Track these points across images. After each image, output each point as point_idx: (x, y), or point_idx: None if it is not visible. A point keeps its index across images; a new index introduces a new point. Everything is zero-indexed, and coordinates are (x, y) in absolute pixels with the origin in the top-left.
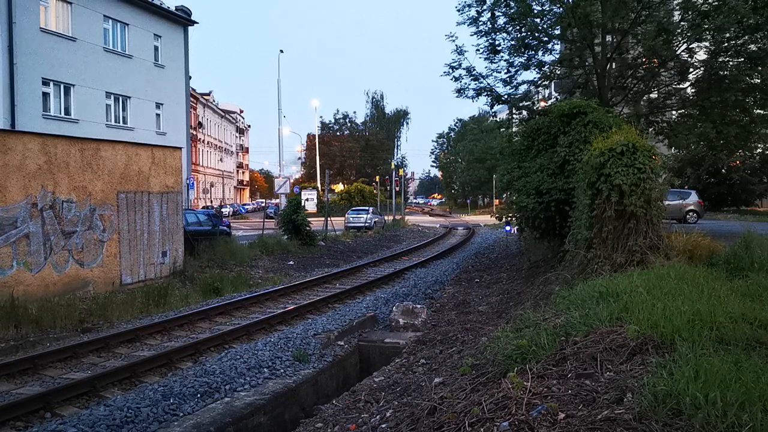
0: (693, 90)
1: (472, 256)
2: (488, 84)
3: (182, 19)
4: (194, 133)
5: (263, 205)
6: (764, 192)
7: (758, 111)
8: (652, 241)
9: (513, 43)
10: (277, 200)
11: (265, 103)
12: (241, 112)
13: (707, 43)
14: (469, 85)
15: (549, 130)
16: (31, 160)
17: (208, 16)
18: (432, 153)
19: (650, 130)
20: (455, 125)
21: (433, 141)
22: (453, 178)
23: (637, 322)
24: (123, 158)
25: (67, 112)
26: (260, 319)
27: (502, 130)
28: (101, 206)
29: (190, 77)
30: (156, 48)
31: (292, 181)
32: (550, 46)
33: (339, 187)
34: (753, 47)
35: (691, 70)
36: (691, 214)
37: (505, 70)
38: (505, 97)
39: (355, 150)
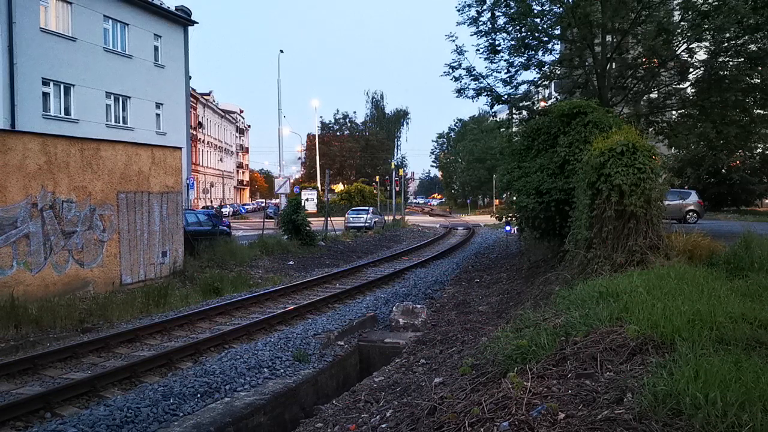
0: (693, 90)
1: (472, 256)
2: (488, 84)
3: (182, 19)
4: (194, 133)
5: (263, 205)
6: (764, 192)
7: (758, 111)
8: (652, 241)
9: (513, 43)
10: (277, 200)
11: (265, 103)
12: (241, 112)
13: (707, 43)
14: (469, 85)
15: (549, 130)
16: (31, 160)
17: (208, 16)
18: (432, 153)
19: (650, 130)
20: (455, 125)
21: (433, 141)
22: (453, 178)
23: (637, 322)
24: (123, 158)
25: (67, 112)
26: (260, 319)
27: (502, 130)
28: (101, 206)
29: (190, 77)
30: (156, 48)
31: (292, 181)
32: (550, 46)
33: (339, 187)
34: (753, 47)
35: (691, 70)
36: (691, 214)
37: (505, 70)
38: (505, 97)
39: (355, 150)
